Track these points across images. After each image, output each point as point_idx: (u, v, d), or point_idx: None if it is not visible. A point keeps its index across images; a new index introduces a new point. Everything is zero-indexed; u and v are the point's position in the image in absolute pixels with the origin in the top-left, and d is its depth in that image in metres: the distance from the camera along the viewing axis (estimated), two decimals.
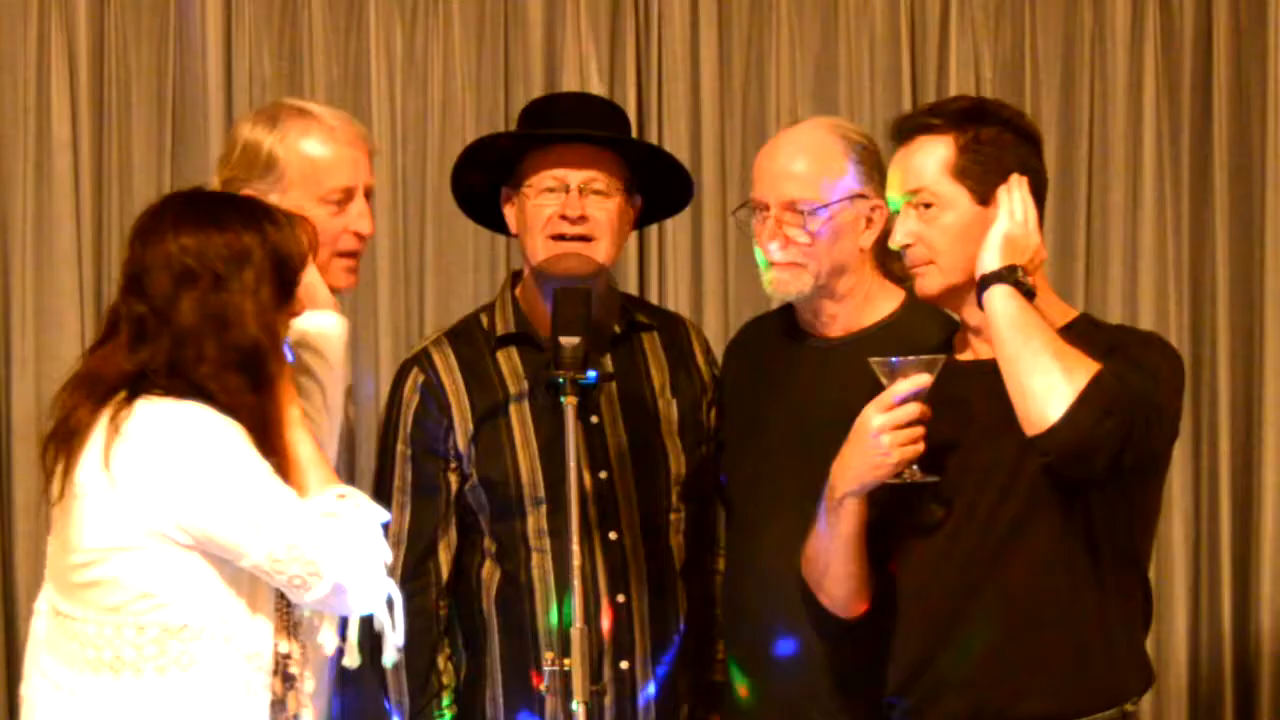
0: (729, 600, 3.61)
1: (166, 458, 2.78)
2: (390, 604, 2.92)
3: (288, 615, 2.94)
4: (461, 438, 3.57)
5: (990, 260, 3.00)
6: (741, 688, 3.54)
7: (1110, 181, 5.12)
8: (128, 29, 4.96)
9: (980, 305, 3.01)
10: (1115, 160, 5.11)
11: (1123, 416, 2.87)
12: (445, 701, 3.57)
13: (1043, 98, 5.13)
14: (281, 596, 2.89)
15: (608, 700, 3.53)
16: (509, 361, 3.61)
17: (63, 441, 2.85)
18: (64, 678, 2.86)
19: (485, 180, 3.64)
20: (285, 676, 2.94)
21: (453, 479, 3.58)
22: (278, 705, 2.92)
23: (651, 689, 3.58)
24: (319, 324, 3.14)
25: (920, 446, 3.02)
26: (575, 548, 3.14)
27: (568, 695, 3.14)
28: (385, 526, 2.90)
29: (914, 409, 3.02)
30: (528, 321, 3.61)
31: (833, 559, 3.15)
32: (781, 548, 3.36)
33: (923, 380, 3.02)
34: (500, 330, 3.63)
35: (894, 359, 3.04)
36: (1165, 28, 5.13)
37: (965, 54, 5.10)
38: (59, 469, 2.86)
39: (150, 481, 2.78)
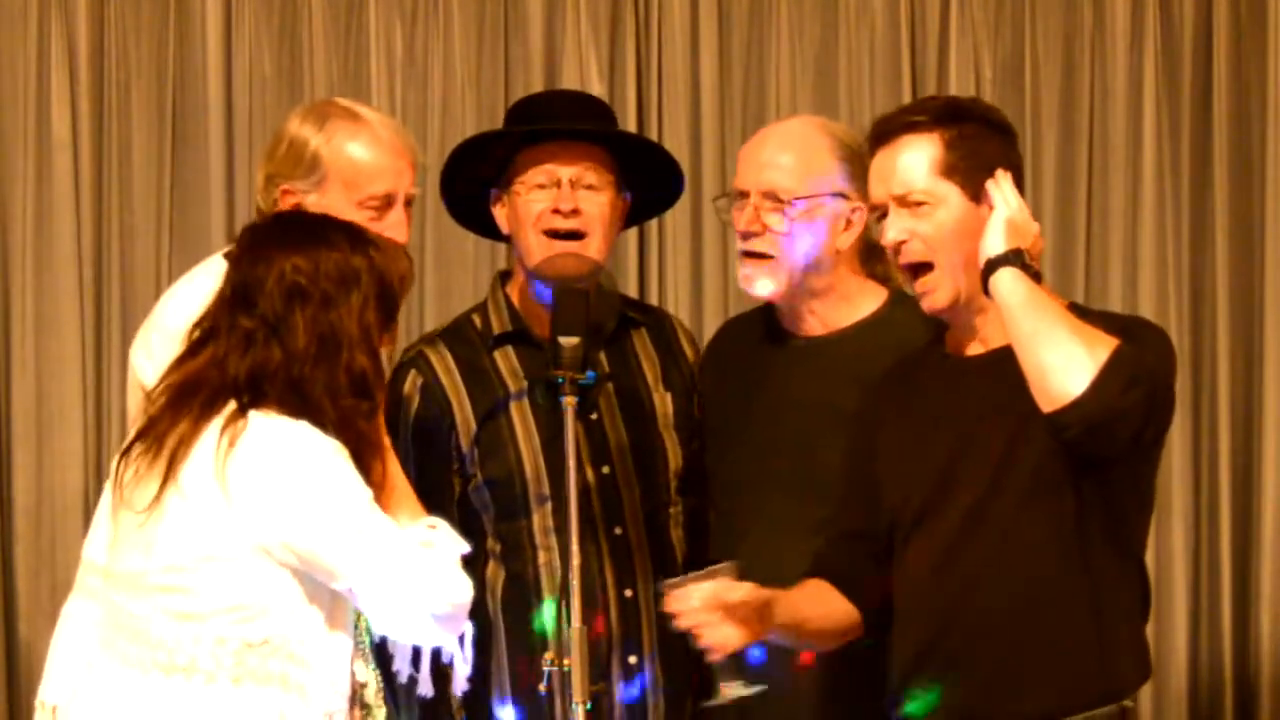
0: None
1: (281, 476, 2.76)
2: (462, 637, 2.91)
3: (361, 643, 2.93)
4: (464, 438, 3.56)
5: (995, 244, 2.97)
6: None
7: (1110, 182, 5.12)
8: (128, 29, 4.96)
9: (986, 292, 2.99)
10: (1115, 161, 5.11)
11: (1147, 388, 2.85)
12: (454, 706, 3.56)
13: (1043, 98, 5.13)
14: (357, 623, 2.89)
15: (618, 695, 3.54)
16: (506, 360, 3.61)
17: (158, 448, 2.80)
18: (123, 678, 2.81)
19: (475, 185, 3.64)
20: (361, 705, 2.93)
21: (455, 481, 3.57)
22: None
23: (661, 682, 3.58)
24: None
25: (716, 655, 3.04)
26: (575, 547, 3.14)
27: (567, 696, 3.14)
28: (465, 559, 2.89)
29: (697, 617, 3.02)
30: (522, 320, 3.61)
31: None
32: (766, 546, 3.36)
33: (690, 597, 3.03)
34: (496, 329, 3.62)
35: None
36: (1165, 28, 5.13)
37: (965, 54, 5.10)
38: (151, 475, 2.80)
39: (263, 497, 2.75)
